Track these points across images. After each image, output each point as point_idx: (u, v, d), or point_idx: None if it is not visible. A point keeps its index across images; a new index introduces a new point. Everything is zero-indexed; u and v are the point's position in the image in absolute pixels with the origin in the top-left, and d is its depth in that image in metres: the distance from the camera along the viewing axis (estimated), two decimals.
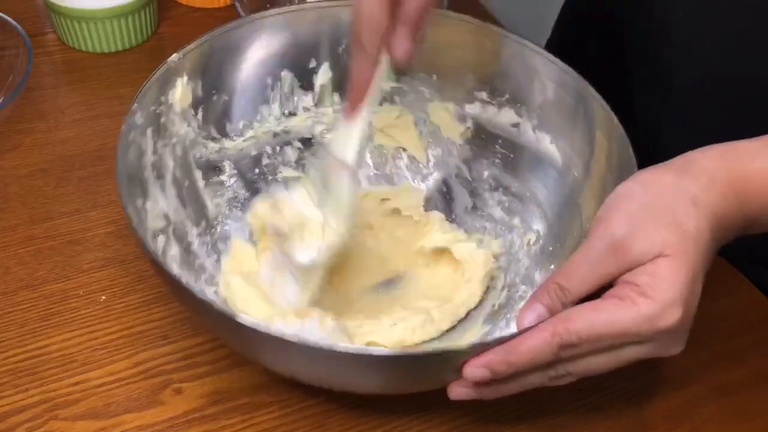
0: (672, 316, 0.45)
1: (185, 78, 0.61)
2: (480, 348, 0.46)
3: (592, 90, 0.59)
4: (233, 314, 0.46)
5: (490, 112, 0.66)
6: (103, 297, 0.62)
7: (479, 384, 0.47)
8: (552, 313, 0.47)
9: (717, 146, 0.50)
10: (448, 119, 0.68)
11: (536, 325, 0.46)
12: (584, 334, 0.45)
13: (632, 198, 0.48)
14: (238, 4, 0.81)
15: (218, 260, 0.63)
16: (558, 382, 0.48)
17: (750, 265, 0.68)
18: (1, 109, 0.70)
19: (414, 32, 0.53)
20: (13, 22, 0.75)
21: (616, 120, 0.57)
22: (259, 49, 0.65)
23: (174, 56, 0.60)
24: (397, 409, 0.57)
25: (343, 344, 0.47)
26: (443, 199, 0.69)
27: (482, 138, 0.67)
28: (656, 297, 0.45)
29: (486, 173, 0.68)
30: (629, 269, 0.46)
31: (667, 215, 0.46)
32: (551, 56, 0.62)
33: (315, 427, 0.56)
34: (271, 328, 0.46)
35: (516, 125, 0.65)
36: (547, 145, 0.63)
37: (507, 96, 0.65)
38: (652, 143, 0.59)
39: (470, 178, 0.68)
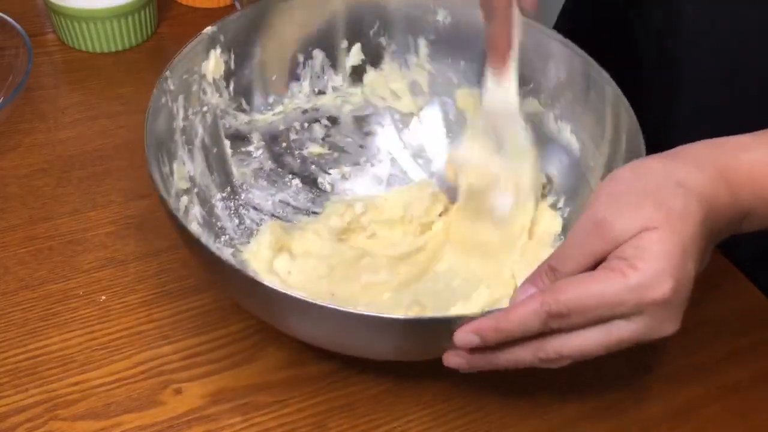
0: (661, 287, 0.45)
1: (219, 50, 0.63)
2: (472, 319, 0.47)
3: (616, 87, 0.59)
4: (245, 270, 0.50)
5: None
6: (103, 297, 0.62)
7: (471, 352, 0.48)
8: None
9: (709, 140, 0.50)
10: (475, 106, 0.68)
11: (529, 296, 0.47)
12: (573, 303, 0.45)
13: (619, 181, 0.48)
14: (237, 4, 0.81)
15: (239, 225, 0.65)
16: (550, 365, 0.48)
17: (750, 265, 0.68)
18: (1, 109, 0.70)
19: None
20: (13, 22, 0.75)
21: (634, 117, 0.57)
22: (292, 27, 0.67)
23: (209, 28, 0.62)
24: (397, 409, 0.57)
25: (340, 306, 0.48)
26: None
27: None
28: (644, 267, 0.45)
29: None
30: (615, 246, 0.46)
31: (651, 194, 0.46)
32: (578, 48, 0.62)
33: (315, 427, 0.56)
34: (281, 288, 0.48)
35: (539, 114, 0.65)
36: (568, 135, 0.64)
37: (531, 85, 0.65)
38: (661, 136, 0.59)
39: None
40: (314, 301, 0.47)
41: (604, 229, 0.46)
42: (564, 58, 0.63)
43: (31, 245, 0.65)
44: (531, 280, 0.48)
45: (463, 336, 0.47)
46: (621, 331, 0.46)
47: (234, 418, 0.56)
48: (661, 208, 0.46)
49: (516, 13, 0.58)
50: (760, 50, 0.66)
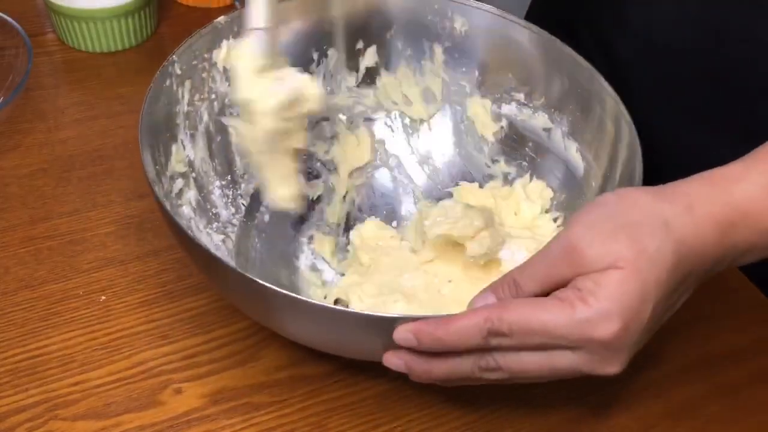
0: (606, 328, 0.44)
1: (231, 40, 0.63)
2: (412, 320, 0.47)
3: (624, 110, 0.59)
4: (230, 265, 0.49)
5: (525, 114, 0.67)
6: (103, 297, 0.62)
7: (410, 354, 0.48)
8: None
9: (700, 175, 0.49)
10: (484, 116, 0.69)
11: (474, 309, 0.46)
12: (515, 325, 0.45)
13: (602, 207, 0.47)
14: (237, 4, 0.81)
15: (235, 214, 0.64)
16: (489, 376, 0.48)
17: (750, 264, 0.68)
18: (1, 109, 0.70)
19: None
20: (13, 22, 0.75)
21: (638, 142, 0.57)
22: (309, 24, 0.66)
23: (221, 18, 0.62)
24: (398, 408, 0.57)
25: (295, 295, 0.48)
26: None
27: (513, 139, 0.68)
28: (594, 304, 0.44)
29: (512, 173, 0.68)
30: (580, 274, 0.45)
31: (630, 230, 0.45)
32: (592, 68, 0.62)
33: (315, 427, 0.56)
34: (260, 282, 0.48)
35: (548, 130, 0.66)
36: (573, 153, 0.64)
37: (543, 100, 0.66)
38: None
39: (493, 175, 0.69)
40: (309, 300, 0.48)
41: (574, 256, 0.46)
42: (591, 87, 0.62)
43: (31, 245, 0.65)
44: (492, 287, 0.48)
45: (401, 333, 0.46)
46: (560, 360, 0.46)
47: (234, 418, 0.56)
48: (633, 247, 0.45)
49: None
50: (705, 59, 0.67)
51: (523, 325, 0.45)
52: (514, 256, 0.61)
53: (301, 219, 0.68)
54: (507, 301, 0.46)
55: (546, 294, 0.47)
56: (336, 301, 0.62)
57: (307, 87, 0.59)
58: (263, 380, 0.58)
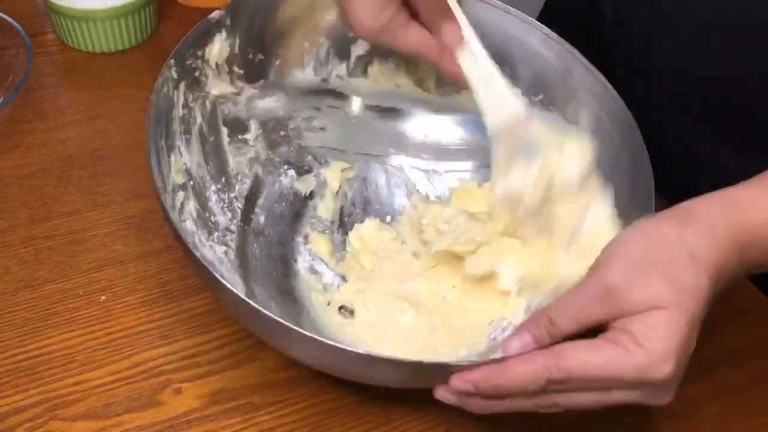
0: (663, 370, 0.45)
1: (224, 34, 0.62)
2: (468, 367, 0.47)
3: (630, 116, 0.59)
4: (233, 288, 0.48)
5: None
6: (103, 297, 0.62)
7: (466, 394, 0.48)
8: (538, 343, 0.47)
9: (716, 195, 0.50)
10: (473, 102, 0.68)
11: (530, 352, 0.46)
12: (574, 373, 0.46)
13: (631, 246, 0.48)
14: None
15: (232, 219, 0.64)
16: (545, 410, 0.49)
17: None
18: (1, 109, 0.70)
19: (445, 20, 0.57)
20: (13, 22, 0.75)
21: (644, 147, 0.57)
22: (300, 12, 0.66)
23: (215, 13, 0.61)
24: (398, 409, 0.57)
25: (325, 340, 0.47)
26: None
27: None
28: (649, 347, 0.45)
29: None
30: (619, 317, 0.46)
31: (664, 268, 0.46)
32: (592, 67, 0.62)
33: (315, 427, 0.56)
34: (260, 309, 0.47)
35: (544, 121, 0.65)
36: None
37: (541, 96, 0.65)
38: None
39: None
40: (344, 347, 0.47)
41: (613, 298, 0.46)
42: (592, 89, 0.62)
43: (31, 245, 0.65)
44: (527, 327, 0.48)
45: (459, 384, 0.47)
46: (617, 398, 0.48)
47: (234, 418, 0.56)
48: (672, 286, 0.46)
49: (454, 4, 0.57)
50: (741, 88, 0.67)
51: (581, 373, 0.46)
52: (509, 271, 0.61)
53: (296, 216, 0.68)
54: (562, 347, 0.46)
55: (582, 333, 0.47)
56: (340, 308, 0.62)
57: None
58: (263, 380, 0.58)
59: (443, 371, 0.47)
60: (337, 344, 0.47)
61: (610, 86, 0.61)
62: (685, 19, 0.68)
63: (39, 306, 0.61)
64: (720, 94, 0.69)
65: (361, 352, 0.47)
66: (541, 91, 0.65)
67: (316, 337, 0.47)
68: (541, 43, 0.64)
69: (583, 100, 0.63)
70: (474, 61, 0.58)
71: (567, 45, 0.63)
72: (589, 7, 0.79)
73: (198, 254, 0.51)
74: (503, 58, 0.63)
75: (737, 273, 0.49)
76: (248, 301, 0.48)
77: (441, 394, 0.49)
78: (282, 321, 0.47)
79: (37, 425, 0.54)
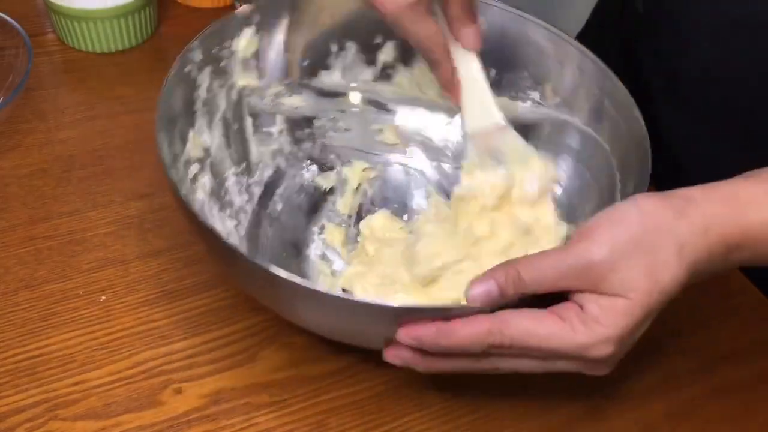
0: (603, 350, 0.47)
1: (253, 29, 0.64)
2: (416, 312, 0.48)
3: (637, 109, 0.59)
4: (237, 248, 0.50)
5: (540, 113, 0.67)
6: (103, 297, 0.62)
7: (411, 352, 0.49)
8: (502, 294, 0.47)
9: (718, 189, 0.50)
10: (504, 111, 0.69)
11: (475, 316, 0.47)
12: (517, 341, 0.47)
13: (624, 225, 0.47)
14: (237, 3, 0.81)
15: (249, 201, 0.65)
16: (486, 372, 0.50)
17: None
18: (1, 109, 0.70)
19: (470, 20, 0.58)
20: (13, 22, 0.75)
21: (647, 142, 0.57)
22: (328, 16, 0.67)
23: (245, 7, 0.63)
24: (398, 408, 0.57)
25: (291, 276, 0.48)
26: None
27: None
28: (596, 329, 0.46)
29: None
30: (591, 292, 0.47)
31: (648, 256, 0.47)
32: (604, 66, 0.62)
33: (315, 427, 0.56)
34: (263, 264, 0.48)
35: (562, 126, 0.66)
36: (585, 148, 0.64)
37: (558, 100, 0.66)
38: (665, 146, 0.59)
39: None
40: (311, 287, 0.48)
41: (592, 275, 0.47)
42: (604, 86, 0.63)
43: (31, 245, 0.65)
44: (494, 274, 0.48)
45: (405, 338, 0.48)
46: (554, 366, 0.49)
47: (234, 418, 0.56)
48: (650, 278, 0.46)
49: (458, 51, 0.60)
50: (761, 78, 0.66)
51: (523, 341, 0.47)
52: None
53: (314, 209, 0.69)
54: (508, 315, 0.47)
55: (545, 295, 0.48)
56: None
57: None
58: (263, 380, 0.58)
59: (393, 314, 0.48)
60: (298, 281, 0.47)
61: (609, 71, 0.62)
62: (716, 15, 0.68)
63: (39, 306, 0.61)
64: (747, 94, 0.69)
65: (320, 289, 0.48)
66: (540, 80, 0.66)
67: (277, 272, 0.47)
68: (543, 36, 0.65)
69: (582, 87, 0.64)
70: (468, 68, 0.60)
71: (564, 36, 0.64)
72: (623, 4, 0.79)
73: (185, 197, 0.52)
74: (502, 51, 0.65)
75: (721, 270, 0.50)
76: (230, 243, 0.49)
77: (389, 355, 0.50)
78: (252, 259, 0.48)
79: (37, 425, 0.54)
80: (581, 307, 0.47)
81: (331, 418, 0.56)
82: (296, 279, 0.47)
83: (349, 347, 0.59)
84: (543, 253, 0.48)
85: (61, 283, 0.62)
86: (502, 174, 0.61)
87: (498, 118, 0.61)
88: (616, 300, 0.46)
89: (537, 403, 0.58)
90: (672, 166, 0.57)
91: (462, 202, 0.61)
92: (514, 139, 0.61)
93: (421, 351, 0.49)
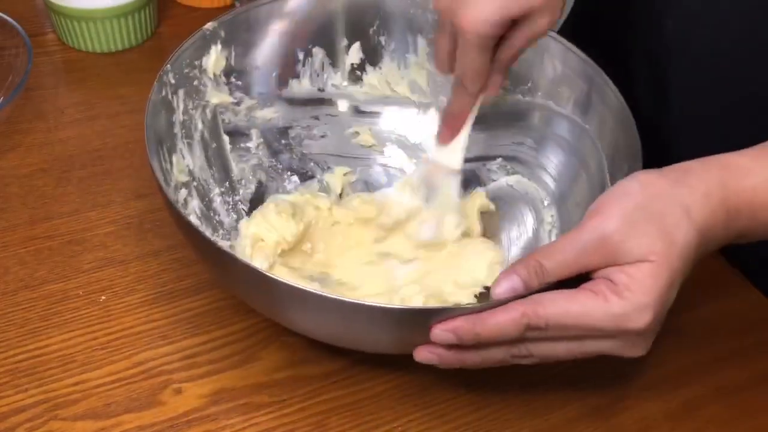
0: (640, 319, 0.46)
1: (219, 46, 0.64)
2: (453, 312, 0.47)
3: (624, 103, 0.60)
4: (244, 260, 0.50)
5: (527, 102, 0.67)
6: (103, 297, 0.62)
7: (445, 349, 0.49)
8: (527, 287, 0.47)
9: (715, 159, 0.50)
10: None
11: (509, 301, 0.47)
12: (552, 320, 0.46)
13: (629, 196, 0.48)
14: (237, 3, 0.81)
15: (237, 220, 0.65)
16: (519, 362, 0.50)
17: (750, 264, 0.68)
18: (1, 109, 0.70)
19: (505, 71, 0.60)
20: (13, 22, 0.75)
21: (636, 135, 0.58)
22: (292, 23, 0.67)
23: (209, 24, 0.63)
24: (398, 408, 0.57)
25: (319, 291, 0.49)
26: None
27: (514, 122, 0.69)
28: (629, 298, 0.46)
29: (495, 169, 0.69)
30: (610, 266, 0.47)
31: (659, 221, 0.47)
32: (586, 57, 0.63)
33: (315, 427, 0.56)
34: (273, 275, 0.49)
35: (538, 109, 0.66)
36: (572, 140, 0.65)
37: (530, 84, 0.66)
38: (653, 137, 0.59)
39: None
40: (309, 290, 0.48)
41: (609, 247, 0.47)
42: (565, 58, 0.64)
43: (31, 245, 0.65)
44: (516, 269, 0.48)
45: (440, 333, 0.48)
46: (592, 347, 0.48)
47: (234, 418, 0.56)
48: (664, 240, 0.47)
49: (478, 103, 0.61)
50: (742, 63, 0.66)
51: (559, 320, 0.47)
52: None
53: None
54: (542, 296, 0.47)
55: (572, 279, 0.48)
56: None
57: None
58: (263, 380, 0.58)
59: (425, 317, 0.48)
60: (314, 290, 0.48)
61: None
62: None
63: (39, 306, 0.61)
64: (725, 110, 0.69)
65: (347, 300, 0.48)
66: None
67: (291, 282, 0.48)
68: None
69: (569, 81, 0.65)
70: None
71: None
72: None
73: (182, 213, 0.52)
74: None
75: (723, 237, 0.50)
76: (233, 254, 0.50)
77: (421, 353, 0.50)
78: (259, 269, 0.49)
79: (37, 425, 0.54)
80: (610, 280, 0.47)
81: (330, 418, 0.56)
82: (304, 287, 0.48)
83: (348, 348, 0.59)
84: (559, 239, 0.49)
85: (61, 283, 0.62)
86: (418, 207, 0.65)
87: (457, 163, 0.64)
88: (640, 266, 0.46)
89: (537, 403, 0.58)
90: (661, 154, 0.57)
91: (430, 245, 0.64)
92: (451, 188, 0.64)
93: (456, 346, 0.48)
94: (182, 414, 0.56)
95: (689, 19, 0.68)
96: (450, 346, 0.49)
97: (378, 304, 0.48)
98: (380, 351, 0.56)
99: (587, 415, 0.58)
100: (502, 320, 0.47)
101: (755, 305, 0.66)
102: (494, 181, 0.69)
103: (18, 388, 0.56)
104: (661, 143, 0.52)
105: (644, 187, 0.49)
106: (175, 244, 0.65)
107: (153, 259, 0.64)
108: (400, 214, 0.65)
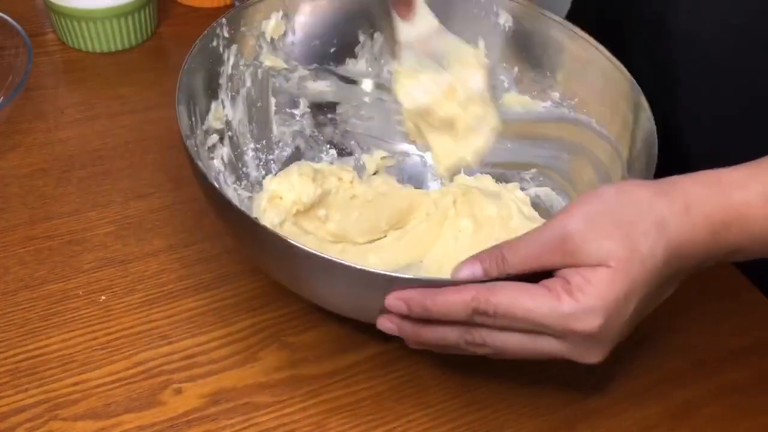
0: (587, 322, 0.46)
1: (281, 13, 0.65)
2: (411, 282, 0.48)
3: (648, 112, 0.60)
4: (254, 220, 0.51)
5: (558, 113, 0.68)
6: (103, 297, 0.62)
7: (402, 319, 0.50)
8: (486, 275, 0.48)
9: (704, 174, 0.50)
10: (520, 110, 0.70)
11: (464, 283, 0.48)
12: (501, 308, 0.47)
13: (599, 199, 0.48)
14: (237, 3, 0.81)
15: (266, 176, 0.66)
16: (476, 350, 0.50)
17: (750, 264, 0.68)
18: (1, 109, 0.70)
19: None
20: (13, 22, 0.75)
21: (653, 122, 0.58)
22: (359, 5, 0.68)
23: None
24: (398, 409, 0.57)
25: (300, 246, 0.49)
26: None
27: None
28: (580, 299, 0.46)
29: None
30: (571, 266, 0.47)
31: (626, 228, 0.47)
32: (623, 68, 0.63)
33: (315, 427, 0.56)
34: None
35: (580, 125, 0.66)
36: (602, 150, 0.64)
37: (576, 100, 0.67)
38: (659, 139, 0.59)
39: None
40: (306, 248, 0.49)
41: (567, 247, 0.47)
42: (612, 78, 0.64)
43: (31, 245, 0.65)
44: (479, 257, 0.49)
45: (392, 301, 0.49)
46: (544, 345, 0.48)
47: (234, 418, 0.56)
48: (627, 246, 0.46)
49: None
50: (750, 60, 0.66)
51: (508, 309, 0.47)
52: None
53: None
54: (496, 284, 0.48)
55: (531, 275, 0.48)
56: None
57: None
58: (263, 380, 0.58)
59: (384, 281, 0.49)
60: (294, 242, 0.49)
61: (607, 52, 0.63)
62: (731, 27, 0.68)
63: (39, 306, 0.61)
64: (738, 102, 0.68)
65: (315, 252, 0.49)
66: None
67: (274, 231, 0.49)
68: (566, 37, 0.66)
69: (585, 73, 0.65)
70: None
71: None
72: None
73: (201, 166, 0.53)
74: (525, 50, 0.67)
75: (705, 255, 0.49)
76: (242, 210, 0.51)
77: (381, 322, 0.51)
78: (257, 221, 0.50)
79: (37, 425, 0.54)
80: (566, 280, 0.47)
81: (331, 418, 0.56)
82: (290, 240, 0.49)
83: (349, 347, 0.59)
84: (524, 234, 0.49)
85: (61, 283, 0.62)
86: (448, 79, 0.62)
87: (433, 21, 0.62)
88: (597, 269, 0.46)
89: (537, 403, 0.58)
90: (668, 152, 0.57)
91: (418, 114, 0.63)
92: (451, 39, 0.63)
93: (410, 319, 0.49)
94: (182, 414, 0.56)
95: (698, 15, 0.68)
96: (404, 318, 0.50)
97: (344, 262, 0.49)
98: (347, 313, 0.56)
99: (587, 415, 0.58)
100: (452, 299, 0.47)
101: (755, 305, 0.66)
102: (524, 190, 0.69)
103: (18, 388, 0.56)
104: (667, 140, 0.52)
105: (620, 193, 0.48)
106: (175, 244, 0.65)
107: (153, 259, 0.64)
108: (442, 90, 0.63)
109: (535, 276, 0.48)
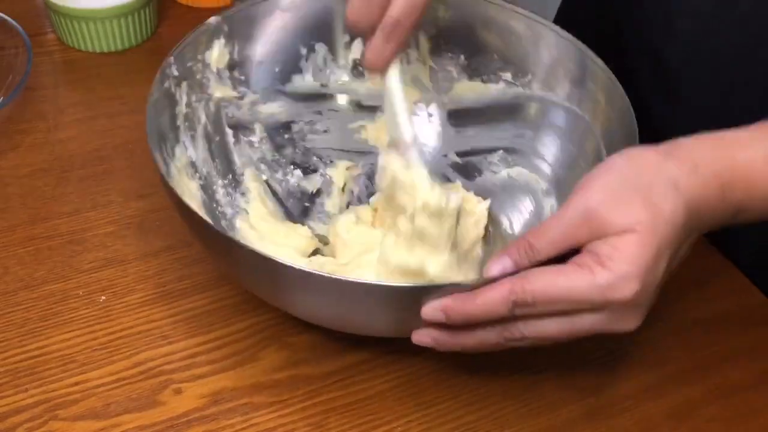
0: (626, 289, 0.46)
1: (222, 40, 0.64)
2: (444, 291, 0.48)
3: (617, 83, 0.60)
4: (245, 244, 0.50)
5: (519, 93, 0.68)
6: (103, 297, 0.62)
7: (438, 329, 0.49)
8: (518, 268, 0.48)
9: (708, 135, 0.50)
10: (474, 96, 0.70)
11: (497, 279, 0.47)
12: (539, 294, 0.47)
13: (613, 170, 0.49)
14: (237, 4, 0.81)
15: (238, 213, 0.65)
16: (514, 344, 0.50)
17: (750, 264, 0.68)
18: (1, 109, 0.70)
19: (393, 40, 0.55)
20: (13, 22, 0.75)
21: (627, 100, 0.58)
22: (294, 19, 0.68)
23: (212, 19, 0.63)
24: (398, 409, 0.57)
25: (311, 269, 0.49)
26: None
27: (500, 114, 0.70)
28: (613, 268, 0.46)
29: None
30: (598, 238, 0.47)
31: (644, 192, 0.47)
32: (579, 42, 0.63)
33: (315, 427, 0.56)
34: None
35: (536, 101, 0.67)
36: (567, 123, 0.65)
37: (529, 76, 0.67)
38: (652, 131, 0.59)
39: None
40: (306, 269, 0.48)
41: (594, 220, 0.47)
42: (560, 46, 0.65)
43: (31, 245, 0.65)
44: (508, 251, 0.49)
45: (430, 311, 0.48)
46: (583, 322, 0.48)
47: (234, 418, 0.56)
48: (649, 210, 0.47)
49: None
50: (755, 65, 0.66)
51: (545, 293, 0.47)
52: None
53: (304, 212, 0.69)
54: (528, 272, 0.47)
55: (562, 257, 0.48)
56: None
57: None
58: (263, 380, 0.58)
59: (417, 294, 0.48)
60: (310, 269, 0.48)
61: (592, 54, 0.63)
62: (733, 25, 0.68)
63: (39, 306, 0.61)
64: (735, 112, 0.68)
65: (341, 278, 0.48)
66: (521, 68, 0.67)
67: (285, 261, 0.48)
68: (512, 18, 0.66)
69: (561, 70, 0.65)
70: (398, 80, 0.58)
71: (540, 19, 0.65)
72: None
73: (179, 194, 0.52)
74: (468, 36, 0.67)
75: (721, 212, 0.50)
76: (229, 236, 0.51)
77: (417, 337, 0.51)
78: (258, 251, 0.49)
79: (37, 425, 0.54)
80: (595, 252, 0.47)
81: (331, 418, 0.56)
82: (303, 267, 0.48)
83: (348, 347, 0.59)
84: (548, 218, 0.49)
85: (61, 283, 0.62)
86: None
87: (406, 135, 0.58)
88: (625, 236, 0.46)
89: (537, 403, 0.58)
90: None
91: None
92: (417, 162, 0.59)
93: (447, 327, 0.49)
94: (182, 414, 0.56)
95: (702, 19, 0.68)
96: (442, 327, 0.49)
97: (371, 282, 0.48)
98: (379, 333, 0.56)
99: (587, 415, 0.58)
100: (489, 298, 0.47)
101: (755, 305, 0.66)
102: (495, 173, 0.69)
103: (18, 388, 0.56)
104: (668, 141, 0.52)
105: (631, 160, 0.49)
106: (175, 244, 0.65)
107: (153, 259, 0.64)
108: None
109: (563, 258, 0.48)
